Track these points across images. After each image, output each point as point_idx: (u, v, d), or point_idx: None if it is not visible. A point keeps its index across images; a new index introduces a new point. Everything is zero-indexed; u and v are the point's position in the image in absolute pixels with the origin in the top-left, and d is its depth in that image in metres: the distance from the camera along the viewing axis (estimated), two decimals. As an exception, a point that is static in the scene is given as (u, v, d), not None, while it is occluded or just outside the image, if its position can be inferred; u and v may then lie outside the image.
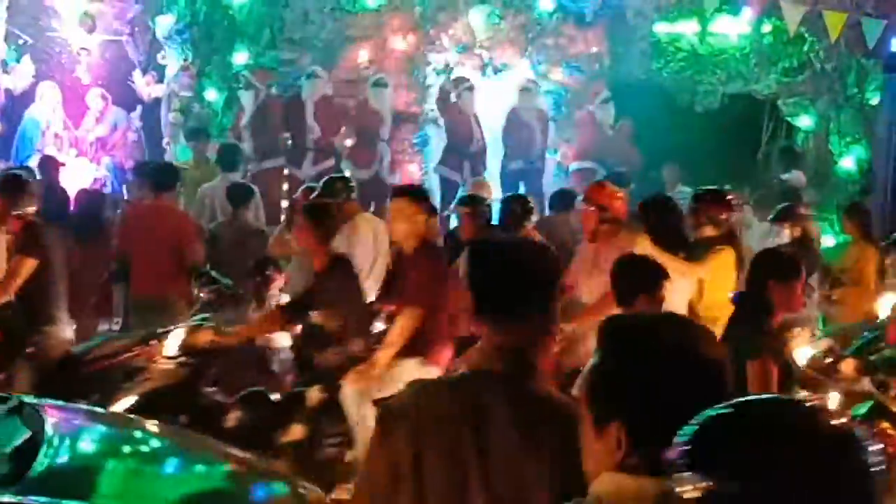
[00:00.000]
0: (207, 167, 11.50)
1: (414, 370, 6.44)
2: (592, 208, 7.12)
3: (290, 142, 12.69)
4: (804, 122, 13.93)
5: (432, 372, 6.50)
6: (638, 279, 5.54)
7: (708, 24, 13.83)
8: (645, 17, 14.00)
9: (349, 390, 6.58)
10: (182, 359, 6.88)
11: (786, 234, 9.14)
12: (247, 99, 12.90)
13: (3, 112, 13.06)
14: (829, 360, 6.87)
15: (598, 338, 2.34)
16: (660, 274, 5.63)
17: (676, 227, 7.16)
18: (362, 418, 6.40)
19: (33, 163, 11.95)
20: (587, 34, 13.92)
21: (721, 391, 2.17)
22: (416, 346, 6.65)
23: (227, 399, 6.91)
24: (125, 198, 11.71)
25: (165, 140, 13.17)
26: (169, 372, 6.84)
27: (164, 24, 13.01)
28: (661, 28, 14.06)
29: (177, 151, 12.95)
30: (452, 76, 13.62)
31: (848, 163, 13.48)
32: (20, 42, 13.19)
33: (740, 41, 13.96)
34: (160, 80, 13.45)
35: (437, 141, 13.62)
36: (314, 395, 6.81)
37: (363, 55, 13.63)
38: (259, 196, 10.29)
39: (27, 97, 13.23)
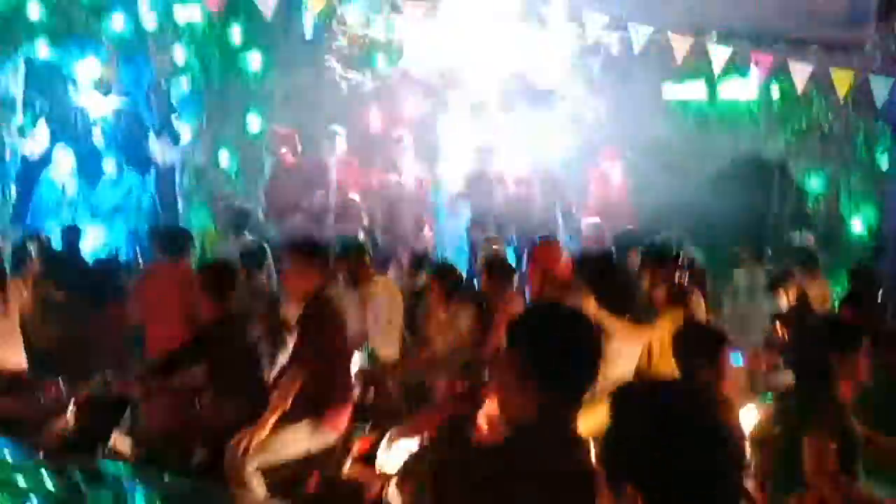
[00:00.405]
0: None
1: (305, 434, 6.30)
2: (538, 268, 7.06)
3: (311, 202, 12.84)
4: (814, 184, 13.99)
5: (328, 435, 6.40)
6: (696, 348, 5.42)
7: (716, 85, 13.95)
8: (653, 79, 14.11)
9: (232, 452, 6.23)
10: None
11: (783, 299, 9.15)
12: (266, 162, 13.07)
13: (20, 176, 13.20)
14: None
15: (609, 404, 2.41)
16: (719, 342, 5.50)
17: (623, 288, 6.99)
18: (248, 482, 6.13)
19: (50, 228, 12.08)
20: (596, 95, 14.04)
21: (727, 456, 2.23)
22: (307, 409, 6.35)
23: None
24: (140, 262, 11.80)
25: (180, 204, 13.28)
26: None
27: (179, 88, 13.16)
28: (670, 90, 14.17)
29: (191, 215, 13.06)
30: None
31: (858, 225, 13.51)
32: (37, 107, 13.35)
33: (749, 103, 14.07)
34: (175, 144, 13.58)
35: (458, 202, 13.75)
36: (199, 454, 6.60)
37: (375, 117, 13.77)
38: (271, 258, 10.38)
39: (43, 162, 13.38)
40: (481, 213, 13.18)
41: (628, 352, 6.66)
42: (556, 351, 3.07)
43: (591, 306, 6.46)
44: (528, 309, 4.83)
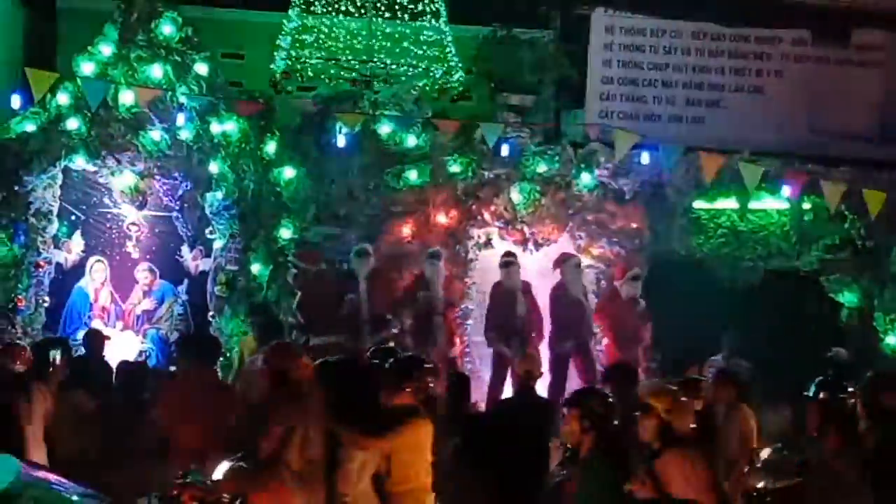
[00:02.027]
0: None
1: None
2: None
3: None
4: (847, 298, 13.88)
5: None
6: None
7: (748, 201, 13.98)
8: (684, 193, 14.18)
9: None
10: None
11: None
12: (292, 279, 13.14)
13: (53, 285, 13.31)
14: None
15: None
16: None
17: (357, 395, 6.82)
18: None
19: (80, 336, 12.12)
20: (627, 210, 14.07)
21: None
22: None
23: None
24: (170, 370, 11.78)
25: (211, 313, 13.32)
26: None
27: (213, 200, 13.31)
28: (701, 204, 14.21)
29: (222, 324, 13.09)
30: (494, 250, 13.82)
31: (893, 340, 13.36)
32: (72, 218, 13.53)
33: (780, 218, 14.09)
34: (207, 255, 13.68)
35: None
36: None
37: (406, 230, 13.85)
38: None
39: (77, 271, 13.50)
40: (500, 324, 13.17)
41: (359, 457, 6.70)
42: None
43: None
44: None
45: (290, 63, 14.67)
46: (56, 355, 9.66)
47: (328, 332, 12.99)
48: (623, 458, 6.47)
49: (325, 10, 14.57)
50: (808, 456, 8.04)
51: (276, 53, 14.55)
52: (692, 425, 6.72)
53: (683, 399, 6.78)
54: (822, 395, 7.72)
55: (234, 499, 6.78)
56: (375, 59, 14.56)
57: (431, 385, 7.31)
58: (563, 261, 13.64)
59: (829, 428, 7.47)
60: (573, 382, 12.81)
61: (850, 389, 7.54)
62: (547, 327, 13.52)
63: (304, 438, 6.52)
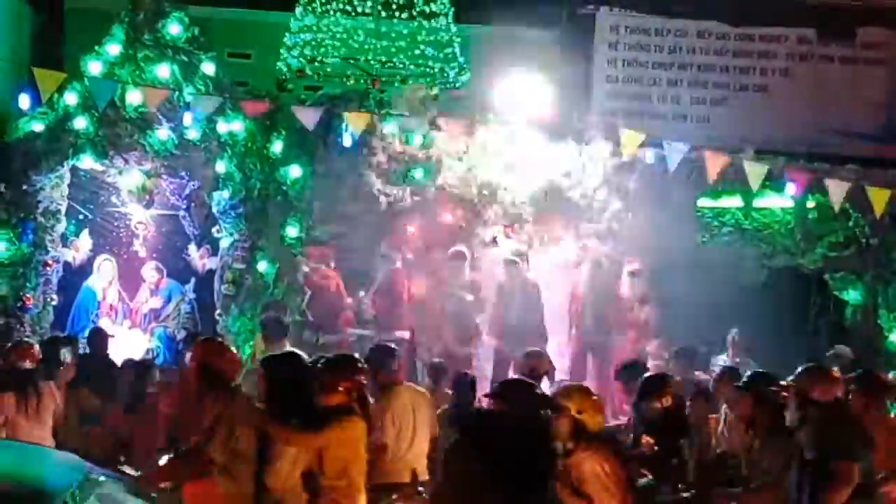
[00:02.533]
0: None
1: None
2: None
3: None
4: (852, 296, 13.90)
5: None
6: None
7: (753, 199, 13.99)
8: (689, 192, 14.20)
9: None
10: None
11: None
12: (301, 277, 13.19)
13: (61, 284, 13.38)
14: None
15: None
16: None
17: (292, 393, 6.88)
18: None
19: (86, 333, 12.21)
20: (631, 208, 14.09)
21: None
22: None
23: None
24: (176, 367, 11.85)
25: (218, 311, 13.38)
26: None
27: (220, 199, 13.37)
28: (706, 203, 14.23)
29: (228, 322, 13.15)
30: (500, 249, 13.86)
31: (896, 336, 13.40)
32: (80, 217, 13.60)
33: (785, 216, 14.10)
34: (214, 254, 13.74)
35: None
36: None
37: (412, 229, 13.88)
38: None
39: (85, 269, 13.58)
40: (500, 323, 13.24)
41: (289, 454, 6.83)
42: None
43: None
44: None
45: (297, 62, 14.72)
46: (66, 354, 9.73)
47: (336, 331, 13.06)
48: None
49: (330, 10, 14.61)
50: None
51: (282, 53, 14.60)
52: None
53: (595, 398, 6.81)
54: (753, 387, 7.80)
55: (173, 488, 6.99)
56: (381, 59, 14.59)
57: (365, 384, 7.34)
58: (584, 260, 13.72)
59: (758, 420, 7.58)
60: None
61: (781, 382, 7.66)
62: (564, 325, 13.55)
63: (229, 431, 6.63)
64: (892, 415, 8.98)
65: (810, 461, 6.60)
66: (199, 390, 6.90)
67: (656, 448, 8.07)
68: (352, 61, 14.83)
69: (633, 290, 13.67)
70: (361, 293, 13.57)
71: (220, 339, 8.61)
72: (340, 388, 7.06)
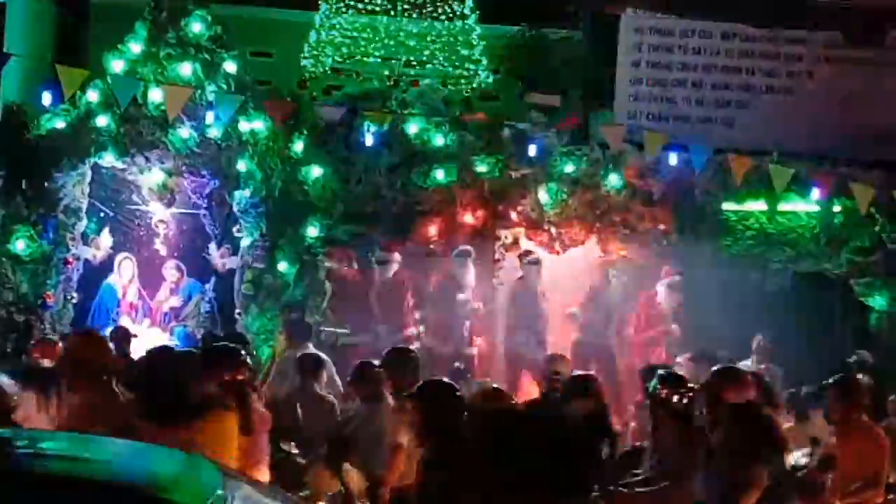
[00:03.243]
0: None
1: None
2: None
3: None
4: (877, 302, 13.77)
5: None
6: None
7: (777, 203, 13.89)
8: (713, 195, 14.10)
9: None
10: None
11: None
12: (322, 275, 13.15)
13: (82, 282, 13.39)
14: None
15: None
16: None
17: (165, 385, 6.70)
18: None
19: (108, 332, 12.18)
20: (655, 211, 14.00)
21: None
22: None
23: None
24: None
25: (237, 311, 13.36)
26: None
27: (241, 198, 13.35)
28: (729, 206, 14.13)
29: (248, 322, 13.12)
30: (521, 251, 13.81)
31: (923, 342, 13.26)
32: (101, 214, 13.60)
33: (810, 220, 13.99)
34: (234, 253, 13.72)
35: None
36: None
37: (433, 229, 13.84)
38: (331, 367, 10.43)
39: (105, 267, 13.58)
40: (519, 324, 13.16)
41: None
42: None
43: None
44: None
45: (318, 61, 14.68)
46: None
47: (357, 331, 13.03)
48: None
49: (353, 9, 14.57)
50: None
51: (304, 52, 14.57)
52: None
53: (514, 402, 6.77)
54: (660, 391, 7.78)
55: None
56: (404, 59, 14.54)
57: (242, 378, 7.18)
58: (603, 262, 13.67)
59: (665, 423, 7.58)
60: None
61: (690, 385, 7.68)
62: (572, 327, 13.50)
63: (102, 425, 6.56)
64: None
65: (719, 463, 6.56)
66: (69, 383, 6.79)
67: None
68: (374, 61, 14.77)
69: (669, 300, 13.54)
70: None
71: (90, 331, 8.49)
72: (222, 380, 6.94)
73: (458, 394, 6.43)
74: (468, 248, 13.49)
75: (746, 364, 12.10)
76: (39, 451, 4.75)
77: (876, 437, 7.99)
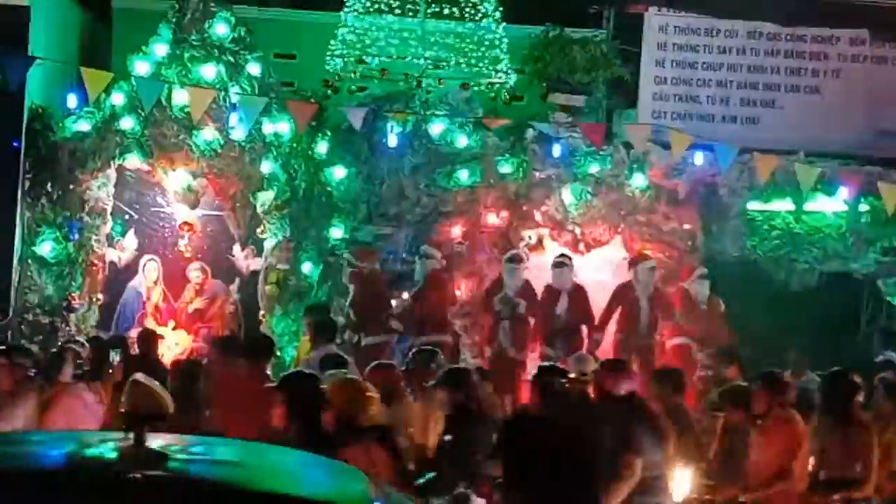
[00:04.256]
0: None
1: None
2: None
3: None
4: (904, 301, 13.70)
5: None
6: None
7: (804, 202, 13.81)
8: (739, 195, 14.03)
9: None
10: None
11: None
12: (347, 277, 13.06)
13: (107, 284, 13.43)
14: None
15: None
16: None
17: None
18: None
19: (133, 334, 12.22)
20: (680, 211, 13.93)
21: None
22: None
23: None
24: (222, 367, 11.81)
25: (261, 312, 13.37)
26: None
27: (265, 199, 13.37)
28: (755, 206, 14.05)
29: (272, 323, 13.13)
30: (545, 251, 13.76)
31: (950, 342, 13.15)
32: (126, 217, 13.65)
33: (837, 220, 13.91)
34: (258, 254, 13.74)
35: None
36: None
37: (457, 230, 13.81)
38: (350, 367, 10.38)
39: (130, 269, 13.62)
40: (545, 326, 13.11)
41: None
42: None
43: None
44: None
45: (342, 63, 14.68)
46: (115, 356, 9.74)
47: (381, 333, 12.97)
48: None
49: (377, 10, 14.56)
50: None
51: (328, 53, 14.57)
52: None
53: (370, 394, 6.74)
54: (540, 378, 7.84)
55: None
56: (427, 59, 14.52)
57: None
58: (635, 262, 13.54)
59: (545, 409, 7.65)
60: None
61: (570, 375, 7.84)
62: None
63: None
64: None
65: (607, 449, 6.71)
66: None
67: (447, 439, 7.97)
68: (397, 61, 14.75)
69: (702, 293, 13.40)
70: (405, 295, 13.45)
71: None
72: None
73: (320, 385, 6.61)
74: (520, 252, 13.37)
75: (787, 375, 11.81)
76: (205, 458, 4.68)
77: (793, 432, 8.12)
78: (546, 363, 8.50)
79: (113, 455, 4.33)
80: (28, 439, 5.13)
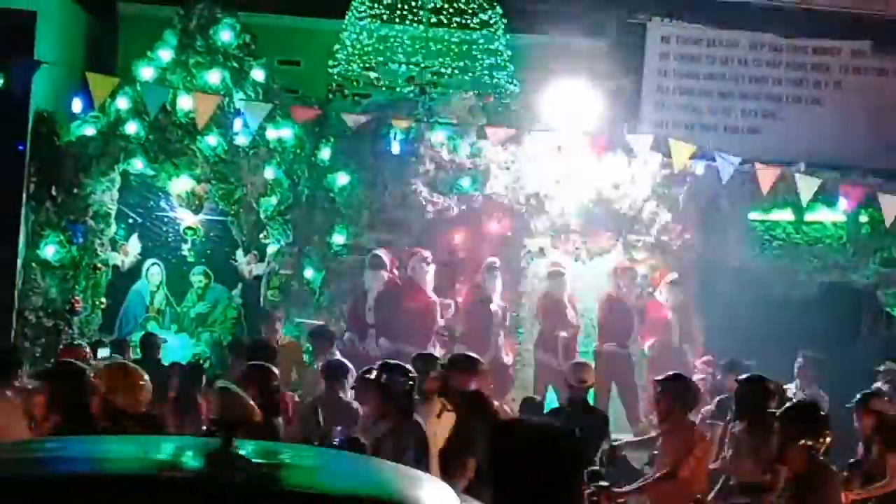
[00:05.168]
0: None
1: None
2: None
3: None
4: (904, 312, 13.74)
5: None
6: None
7: (804, 213, 13.86)
8: (739, 205, 14.07)
9: None
10: None
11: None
12: (370, 279, 13.09)
13: (110, 287, 13.49)
14: None
15: None
16: None
17: None
18: None
19: (136, 337, 12.28)
20: (681, 221, 13.98)
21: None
22: None
23: None
24: (223, 371, 11.88)
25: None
26: None
27: (268, 205, 13.42)
28: (756, 216, 14.10)
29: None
30: (545, 261, 13.79)
31: (951, 354, 13.16)
32: (129, 221, 13.70)
33: (837, 231, 13.95)
34: (261, 260, 13.79)
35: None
36: None
37: (458, 238, 13.85)
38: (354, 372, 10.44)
39: (133, 273, 13.68)
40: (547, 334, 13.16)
41: None
42: None
43: None
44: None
45: (346, 70, 14.75)
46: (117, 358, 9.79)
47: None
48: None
49: (381, 18, 14.64)
50: None
51: (332, 60, 14.65)
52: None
53: (140, 381, 6.88)
54: (383, 377, 7.90)
55: None
56: (431, 66, 14.59)
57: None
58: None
59: (388, 408, 7.69)
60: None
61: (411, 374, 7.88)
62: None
63: None
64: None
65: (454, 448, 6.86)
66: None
67: None
68: (401, 69, 14.82)
69: (673, 299, 13.47)
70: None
71: None
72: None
73: (87, 376, 6.74)
74: (495, 260, 13.43)
75: (792, 388, 11.82)
76: (291, 463, 4.76)
77: (689, 438, 8.15)
78: (392, 361, 8.51)
79: (202, 460, 4.43)
80: (118, 443, 5.20)
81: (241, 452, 4.42)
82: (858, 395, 9.22)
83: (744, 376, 9.00)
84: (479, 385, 7.89)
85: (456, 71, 14.60)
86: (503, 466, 3.50)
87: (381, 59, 14.61)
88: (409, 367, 8.26)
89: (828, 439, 6.68)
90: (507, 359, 13.15)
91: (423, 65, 14.60)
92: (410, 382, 7.77)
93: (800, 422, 6.74)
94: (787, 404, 7.58)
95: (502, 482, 3.49)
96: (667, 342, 13.28)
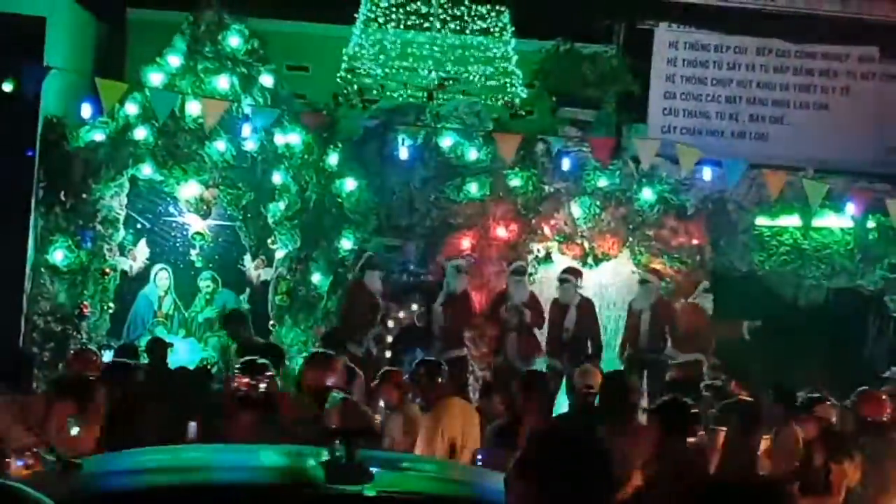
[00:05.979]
0: None
1: None
2: None
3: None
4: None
5: None
6: None
7: (812, 218, 13.86)
8: (747, 210, 14.08)
9: None
10: None
11: None
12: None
13: (118, 292, 13.52)
14: None
15: None
16: None
17: None
18: None
19: (143, 342, 12.30)
20: (688, 226, 13.99)
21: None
22: None
23: None
24: (230, 376, 11.89)
25: (271, 322, 13.45)
26: None
27: (276, 210, 13.45)
28: (763, 221, 14.10)
29: (281, 333, 13.21)
30: (554, 265, 13.81)
31: (958, 360, 13.16)
32: (138, 226, 13.74)
33: (844, 236, 13.95)
34: (269, 265, 13.82)
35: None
36: None
37: (466, 243, 13.88)
38: (362, 378, 10.47)
39: (142, 278, 13.71)
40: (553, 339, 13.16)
41: None
42: None
43: None
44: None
45: (354, 75, 14.79)
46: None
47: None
48: None
49: (389, 24, 14.68)
50: None
51: (340, 66, 14.68)
52: None
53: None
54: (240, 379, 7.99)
55: None
56: (438, 72, 14.63)
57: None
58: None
59: (235, 412, 7.80)
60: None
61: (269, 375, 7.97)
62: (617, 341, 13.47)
63: None
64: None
65: None
66: None
67: None
68: (408, 74, 14.86)
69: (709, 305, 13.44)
70: (414, 307, 13.53)
71: None
72: None
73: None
74: (524, 263, 13.45)
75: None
76: (410, 471, 4.91)
77: (638, 436, 7.91)
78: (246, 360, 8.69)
79: (327, 469, 4.51)
80: (238, 451, 5.28)
81: (364, 461, 4.52)
82: (801, 399, 8.94)
83: (606, 373, 9.13)
84: (334, 381, 8.06)
85: (464, 76, 14.63)
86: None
87: (389, 64, 14.64)
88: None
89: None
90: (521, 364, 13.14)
91: (430, 70, 14.63)
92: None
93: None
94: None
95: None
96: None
